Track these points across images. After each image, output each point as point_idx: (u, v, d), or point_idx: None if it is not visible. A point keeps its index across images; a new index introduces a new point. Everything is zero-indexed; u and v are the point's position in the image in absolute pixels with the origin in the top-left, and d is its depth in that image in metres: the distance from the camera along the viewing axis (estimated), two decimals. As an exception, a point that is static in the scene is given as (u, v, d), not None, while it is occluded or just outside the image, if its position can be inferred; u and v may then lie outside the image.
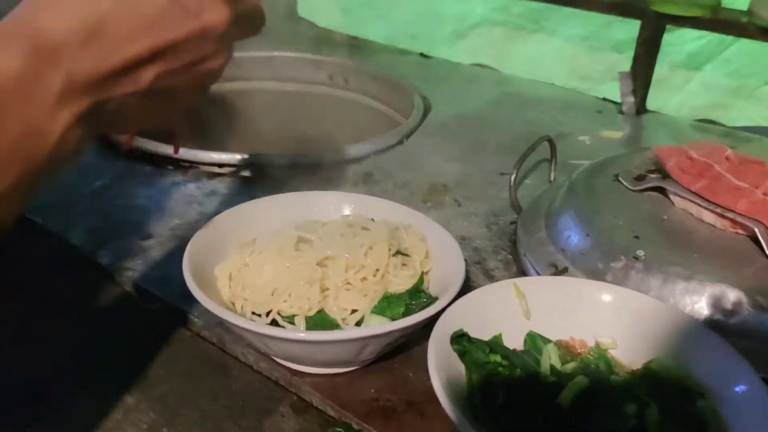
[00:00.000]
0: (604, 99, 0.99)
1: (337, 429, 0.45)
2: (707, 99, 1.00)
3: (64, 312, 0.55)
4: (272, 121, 0.98)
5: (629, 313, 0.47)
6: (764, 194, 0.58)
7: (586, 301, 0.48)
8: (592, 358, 0.45)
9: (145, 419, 0.45)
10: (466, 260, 0.50)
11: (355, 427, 0.45)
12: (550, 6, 1.03)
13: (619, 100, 0.95)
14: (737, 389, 0.40)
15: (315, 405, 0.47)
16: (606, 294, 0.48)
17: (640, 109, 0.93)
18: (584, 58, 1.06)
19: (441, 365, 0.40)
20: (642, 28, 0.89)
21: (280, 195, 0.57)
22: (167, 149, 0.73)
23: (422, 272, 0.50)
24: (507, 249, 0.65)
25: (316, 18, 1.36)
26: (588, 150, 0.84)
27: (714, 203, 0.59)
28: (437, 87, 1.02)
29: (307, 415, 0.46)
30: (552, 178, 0.76)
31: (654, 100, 1.03)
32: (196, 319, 0.53)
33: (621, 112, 0.94)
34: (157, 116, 0.39)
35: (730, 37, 0.93)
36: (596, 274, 0.55)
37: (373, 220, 0.53)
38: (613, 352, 0.46)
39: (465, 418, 0.36)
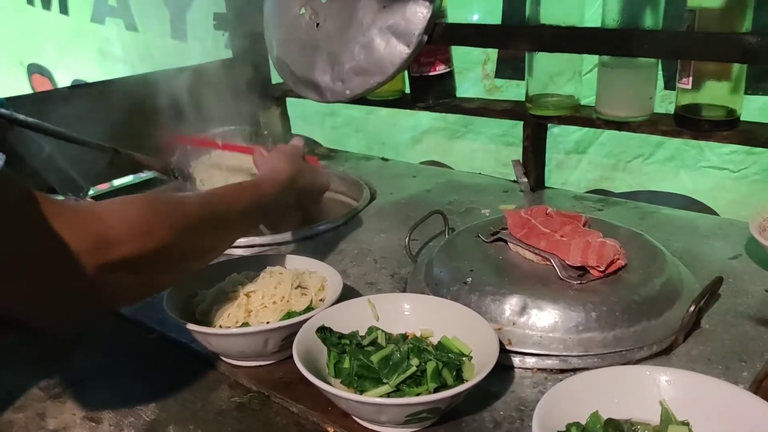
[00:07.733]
0: (514, 181, 1.26)
1: (253, 395, 0.72)
2: (595, 174, 1.27)
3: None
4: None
5: (434, 313, 0.74)
6: (561, 236, 0.85)
7: (419, 309, 0.75)
8: (411, 339, 0.71)
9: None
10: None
11: (266, 393, 0.72)
12: (474, 114, 1.34)
13: (524, 183, 1.22)
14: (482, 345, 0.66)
15: (244, 384, 0.74)
16: (421, 302, 0.76)
17: (534, 187, 1.20)
18: (503, 150, 1.35)
19: (303, 348, 0.67)
20: (524, 126, 1.18)
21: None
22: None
23: (312, 298, 0.78)
24: (400, 289, 0.92)
25: (312, 136, 1.71)
26: (485, 219, 1.11)
27: (528, 244, 0.85)
28: (386, 182, 1.33)
29: (238, 389, 0.74)
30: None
31: (558, 178, 1.30)
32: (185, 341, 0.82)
33: (521, 191, 1.21)
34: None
35: (601, 127, 1.21)
36: (442, 295, 0.81)
37: (285, 267, 0.83)
38: (431, 339, 0.72)
39: (319, 380, 0.62)
